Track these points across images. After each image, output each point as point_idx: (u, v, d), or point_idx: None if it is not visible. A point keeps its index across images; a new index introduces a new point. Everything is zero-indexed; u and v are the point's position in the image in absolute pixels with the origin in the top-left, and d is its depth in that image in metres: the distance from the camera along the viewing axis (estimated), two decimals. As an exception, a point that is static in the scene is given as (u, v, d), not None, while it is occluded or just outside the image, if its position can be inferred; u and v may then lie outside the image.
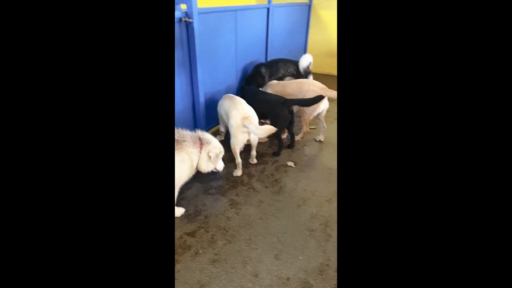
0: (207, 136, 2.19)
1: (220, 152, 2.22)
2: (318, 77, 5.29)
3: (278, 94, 3.03)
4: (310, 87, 3.00)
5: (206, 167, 2.18)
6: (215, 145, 2.18)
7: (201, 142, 2.13)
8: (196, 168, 2.18)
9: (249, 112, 2.61)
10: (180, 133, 2.10)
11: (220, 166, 2.27)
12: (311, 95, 2.92)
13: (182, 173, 2.04)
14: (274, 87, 3.21)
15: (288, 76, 3.72)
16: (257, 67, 3.64)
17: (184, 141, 2.05)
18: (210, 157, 2.13)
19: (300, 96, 2.99)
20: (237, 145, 2.59)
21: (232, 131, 2.57)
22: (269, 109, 2.79)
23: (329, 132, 3.42)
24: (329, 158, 2.92)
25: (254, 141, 2.69)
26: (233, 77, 3.59)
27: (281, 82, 3.27)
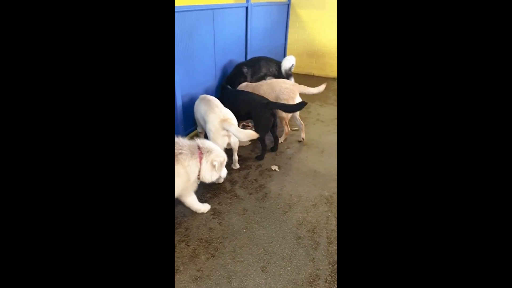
0: (207, 144, 2.04)
1: (224, 160, 2.07)
2: (298, 77, 5.28)
3: None
4: (282, 85, 2.95)
5: (210, 177, 2.02)
6: (218, 153, 2.03)
7: (200, 152, 1.98)
8: (198, 178, 2.02)
9: (228, 114, 2.49)
10: (177, 144, 1.92)
11: (224, 173, 2.12)
12: (284, 93, 2.89)
13: (176, 188, 1.88)
14: (245, 89, 3.12)
15: (269, 76, 3.63)
16: (239, 66, 3.52)
17: (180, 153, 1.89)
18: (214, 166, 1.99)
19: (272, 96, 2.93)
20: None
21: (211, 136, 2.44)
22: (252, 110, 2.68)
23: (311, 134, 3.36)
24: (314, 160, 2.86)
25: (235, 145, 2.58)
26: (212, 77, 3.45)
27: (251, 84, 3.17)
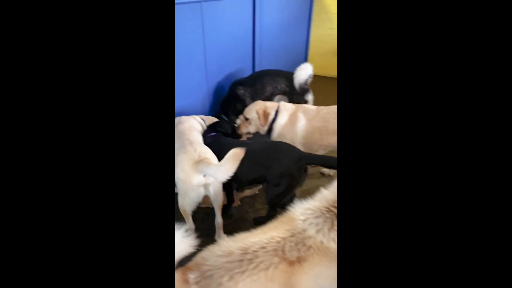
0: None
1: None
2: (323, 80, 4.22)
3: None
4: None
5: None
6: None
7: None
8: None
9: (205, 152, 1.62)
10: None
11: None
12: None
13: None
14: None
15: (278, 94, 2.66)
16: (233, 86, 2.59)
17: None
18: None
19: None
20: (189, 207, 1.63)
21: (180, 186, 1.58)
22: (275, 166, 1.64)
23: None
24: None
25: (216, 198, 1.67)
26: (201, 100, 2.57)
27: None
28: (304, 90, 2.53)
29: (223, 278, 0.91)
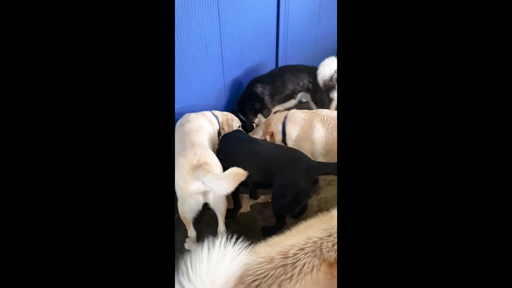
0: None
1: None
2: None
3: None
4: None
5: None
6: None
7: None
8: None
9: (206, 157, 1.48)
10: None
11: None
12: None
13: None
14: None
15: (300, 91, 2.43)
16: (250, 84, 2.41)
17: None
18: None
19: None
20: (188, 214, 1.50)
21: (178, 192, 1.46)
22: (278, 174, 1.50)
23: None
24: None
25: (219, 206, 1.54)
26: (217, 95, 2.42)
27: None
28: (329, 87, 2.27)
29: (272, 287, 0.85)
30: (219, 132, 1.99)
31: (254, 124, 2.49)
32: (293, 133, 1.86)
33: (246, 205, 1.97)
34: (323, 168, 1.44)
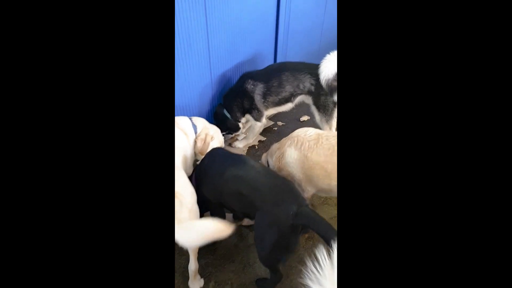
0: None
1: None
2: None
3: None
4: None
5: None
6: None
7: None
8: None
9: (180, 185, 1.22)
10: None
11: None
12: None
13: None
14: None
15: (300, 94, 2.09)
16: (242, 78, 2.08)
17: None
18: None
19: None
20: None
21: None
22: (261, 213, 1.21)
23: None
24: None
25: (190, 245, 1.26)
26: (201, 95, 2.09)
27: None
28: (332, 88, 1.92)
29: None
30: None
31: (240, 124, 2.16)
32: (273, 164, 1.62)
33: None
34: (313, 222, 1.10)
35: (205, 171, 1.41)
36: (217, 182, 1.33)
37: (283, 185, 1.21)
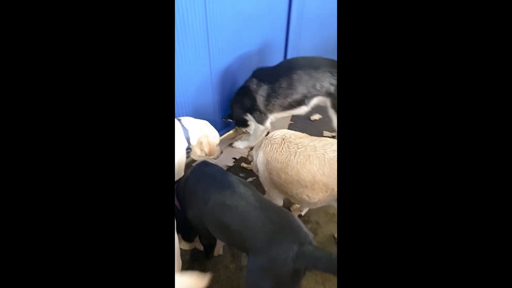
0: None
1: None
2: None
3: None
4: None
5: None
6: None
7: None
8: None
9: None
10: None
11: None
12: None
13: None
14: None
15: (315, 96, 1.80)
16: (252, 74, 1.85)
17: None
18: None
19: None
20: None
21: None
22: (254, 256, 1.00)
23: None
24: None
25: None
26: (198, 91, 1.87)
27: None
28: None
29: None
30: (189, 148, 1.48)
31: (246, 119, 1.95)
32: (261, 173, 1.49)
33: (219, 246, 1.52)
34: (319, 263, 0.89)
35: (189, 193, 1.22)
36: (201, 209, 1.14)
37: (279, 219, 0.99)
